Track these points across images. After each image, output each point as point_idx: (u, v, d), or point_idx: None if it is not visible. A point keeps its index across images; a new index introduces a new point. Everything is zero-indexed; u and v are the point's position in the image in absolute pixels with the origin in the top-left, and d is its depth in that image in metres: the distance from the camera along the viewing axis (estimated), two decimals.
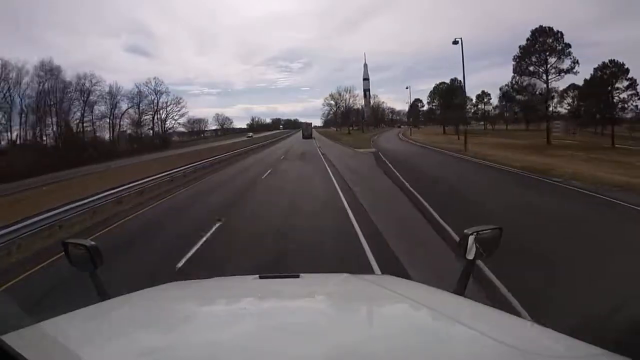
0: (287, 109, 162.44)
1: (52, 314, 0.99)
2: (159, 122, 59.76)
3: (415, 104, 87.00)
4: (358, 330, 0.90)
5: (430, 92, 63.34)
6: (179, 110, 61.79)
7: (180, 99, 62.61)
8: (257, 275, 1.38)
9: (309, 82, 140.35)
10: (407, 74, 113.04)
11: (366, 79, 76.36)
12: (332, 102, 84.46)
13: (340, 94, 76.22)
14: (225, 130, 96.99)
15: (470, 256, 1.31)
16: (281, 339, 0.81)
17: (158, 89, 59.13)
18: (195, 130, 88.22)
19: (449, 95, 55.90)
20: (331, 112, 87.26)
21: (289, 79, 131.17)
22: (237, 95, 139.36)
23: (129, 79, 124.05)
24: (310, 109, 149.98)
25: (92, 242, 1.41)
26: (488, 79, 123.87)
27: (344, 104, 77.27)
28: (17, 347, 0.56)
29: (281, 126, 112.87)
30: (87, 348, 0.78)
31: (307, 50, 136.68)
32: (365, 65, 76.79)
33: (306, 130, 58.25)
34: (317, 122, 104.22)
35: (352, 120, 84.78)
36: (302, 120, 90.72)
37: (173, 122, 61.57)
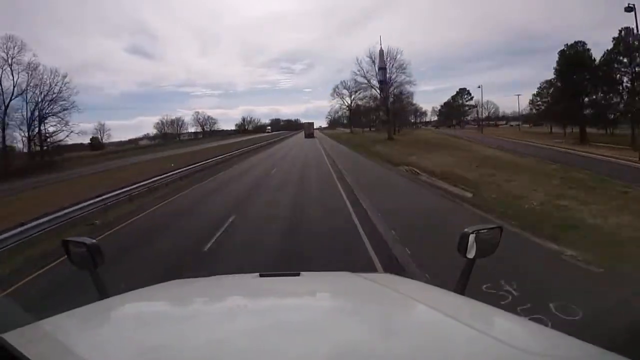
0: (289, 111, 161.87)
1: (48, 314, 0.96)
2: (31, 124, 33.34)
3: (456, 98, 70.35)
4: (358, 328, 0.89)
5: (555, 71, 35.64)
6: (60, 98, 33.58)
7: (64, 76, 34.54)
8: (258, 274, 1.37)
9: (311, 83, 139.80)
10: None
11: (382, 69, 53.79)
12: (345, 90, 63.82)
13: (372, 62, 49.90)
14: (208, 133, 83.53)
15: (471, 255, 1.32)
16: (281, 337, 0.81)
17: (20, 58, 31.89)
18: (170, 134, 77.19)
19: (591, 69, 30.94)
20: (343, 107, 66.77)
21: (291, 80, 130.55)
22: (239, 96, 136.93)
23: (131, 81, 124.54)
24: (312, 110, 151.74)
25: (93, 240, 1.40)
26: (488, 80, 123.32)
27: (377, 80, 50.66)
28: (17, 345, 0.56)
29: (268, 128, 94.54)
30: (88, 346, 0.78)
31: (309, 51, 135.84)
32: (382, 52, 52.90)
33: (308, 129, 63.97)
34: (321, 123, 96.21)
35: (363, 119, 73.97)
36: (303, 121, 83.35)
37: (58, 121, 34.53)
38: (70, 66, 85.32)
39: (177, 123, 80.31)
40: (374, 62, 50.05)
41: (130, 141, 74.77)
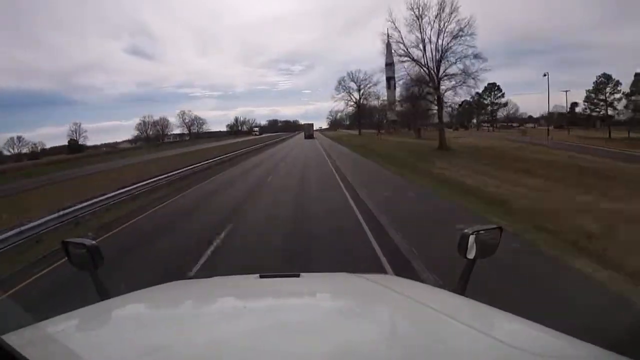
0: (288, 112, 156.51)
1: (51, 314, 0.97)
2: None
3: (483, 95, 57.76)
4: (358, 329, 0.89)
5: None
6: None
7: None
8: (258, 275, 1.36)
9: (310, 85, 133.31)
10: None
11: (390, 64, 43.77)
12: (352, 83, 56.31)
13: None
14: (195, 135, 72.62)
15: (471, 256, 1.31)
16: (281, 337, 0.81)
17: None
18: (152, 136, 66.76)
19: None
20: (350, 104, 58.51)
21: (290, 81, 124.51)
22: (238, 98, 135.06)
23: (130, 82, 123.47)
24: (312, 111, 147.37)
25: (93, 242, 1.39)
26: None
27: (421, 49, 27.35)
28: (17, 346, 0.56)
29: (255, 130, 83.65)
30: (88, 347, 0.78)
31: (308, 52, 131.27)
32: (389, 45, 36.09)
33: (308, 131, 61.76)
34: (320, 124, 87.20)
35: (366, 120, 63.97)
36: (302, 122, 78.64)
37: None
38: (69, 67, 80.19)
39: (161, 124, 68.91)
40: (418, 19, 25.99)
41: (109, 144, 64.58)
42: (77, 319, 1.01)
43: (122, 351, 0.77)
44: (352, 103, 60.00)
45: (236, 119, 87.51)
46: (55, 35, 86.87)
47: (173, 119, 72.26)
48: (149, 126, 68.37)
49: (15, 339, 0.64)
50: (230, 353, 0.74)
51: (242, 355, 0.73)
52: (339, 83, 58.71)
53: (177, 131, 73.49)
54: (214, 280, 1.57)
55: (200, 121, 76.05)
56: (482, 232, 1.32)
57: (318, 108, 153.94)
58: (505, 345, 0.72)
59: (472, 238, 1.29)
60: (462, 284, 1.29)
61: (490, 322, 0.94)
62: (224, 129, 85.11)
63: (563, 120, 49.58)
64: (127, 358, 0.74)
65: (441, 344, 0.78)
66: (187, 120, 74.73)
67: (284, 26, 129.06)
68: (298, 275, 1.35)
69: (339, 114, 71.74)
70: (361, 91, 57.43)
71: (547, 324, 0.88)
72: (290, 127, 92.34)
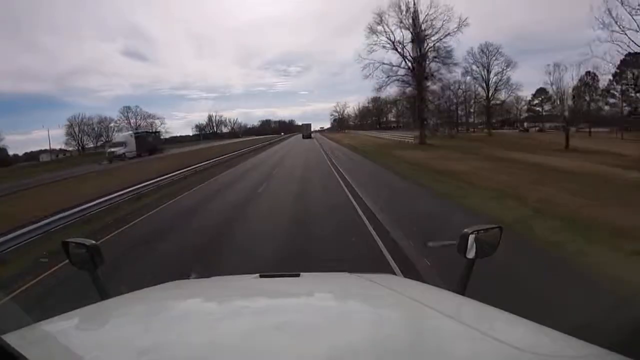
0: (285, 113, 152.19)
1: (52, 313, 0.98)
2: None
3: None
4: (358, 329, 0.89)
5: None
6: None
7: None
8: (257, 275, 1.36)
9: (308, 86, 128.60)
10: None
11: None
12: (407, 20, 27.78)
13: None
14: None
15: (471, 255, 1.30)
16: (281, 337, 0.81)
17: None
18: (99, 143, 48.14)
19: None
20: (392, 76, 29.42)
21: (287, 82, 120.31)
22: (235, 99, 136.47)
23: (126, 84, 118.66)
24: (309, 112, 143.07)
25: (93, 242, 1.39)
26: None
27: None
28: (17, 346, 0.56)
29: (112, 149, 36.72)
30: (88, 347, 0.78)
31: (305, 54, 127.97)
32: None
33: (306, 131, 62.63)
34: (319, 125, 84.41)
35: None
36: (299, 123, 75.27)
37: None
38: (67, 68, 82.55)
39: (105, 126, 51.75)
40: None
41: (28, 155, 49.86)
42: (77, 319, 1.01)
43: (122, 351, 0.77)
44: (406, 67, 28.72)
45: (210, 119, 70.86)
46: (51, 37, 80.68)
47: (118, 117, 53.86)
48: (86, 131, 50.73)
49: (15, 339, 0.65)
50: (229, 353, 0.74)
51: (241, 355, 0.73)
52: (371, 29, 28.22)
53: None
54: (213, 280, 1.58)
55: (153, 120, 54.52)
56: (481, 231, 1.31)
57: (314, 109, 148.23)
58: (506, 346, 0.72)
59: (471, 238, 1.29)
60: (462, 283, 1.29)
61: (490, 322, 0.93)
62: (223, 130, 70.50)
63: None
64: (127, 358, 0.74)
65: (441, 344, 0.77)
66: (134, 122, 53.40)
67: (281, 27, 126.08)
68: (298, 275, 1.35)
69: (346, 110, 57.38)
70: (425, 45, 26.99)
71: None
72: (285, 128, 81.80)
